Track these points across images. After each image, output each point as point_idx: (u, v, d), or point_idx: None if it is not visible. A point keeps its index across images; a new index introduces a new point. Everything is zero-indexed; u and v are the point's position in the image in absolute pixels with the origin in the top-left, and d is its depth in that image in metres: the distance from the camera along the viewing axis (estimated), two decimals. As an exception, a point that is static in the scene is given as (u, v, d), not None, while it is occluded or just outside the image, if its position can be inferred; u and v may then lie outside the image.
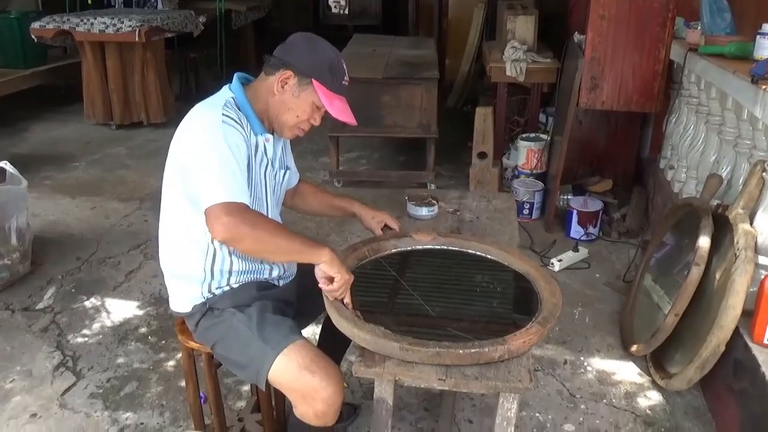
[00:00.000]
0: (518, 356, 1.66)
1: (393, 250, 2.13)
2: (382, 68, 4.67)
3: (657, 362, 2.75)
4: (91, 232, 4.02)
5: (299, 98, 1.84)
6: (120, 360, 2.83)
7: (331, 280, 1.75)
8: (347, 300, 1.77)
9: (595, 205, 3.98)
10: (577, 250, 3.71)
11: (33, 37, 6.03)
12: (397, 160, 5.55)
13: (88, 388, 2.65)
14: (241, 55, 8.91)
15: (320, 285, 1.76)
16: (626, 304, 3.14)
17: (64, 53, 7.46)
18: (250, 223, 1.65)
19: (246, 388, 2.64)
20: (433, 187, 4.75)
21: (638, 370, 2.82)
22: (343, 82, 1.87)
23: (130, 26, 5.76)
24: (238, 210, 1.64)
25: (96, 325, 3.07)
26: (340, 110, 1.86)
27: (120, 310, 3.20)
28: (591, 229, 3.94)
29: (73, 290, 3.36)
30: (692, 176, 3.38)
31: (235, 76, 1.90)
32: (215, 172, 1.67)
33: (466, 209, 2.53)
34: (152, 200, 4.48)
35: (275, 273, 1.97)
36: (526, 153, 4.44)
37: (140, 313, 3.18)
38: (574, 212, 3.93)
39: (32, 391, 2.62)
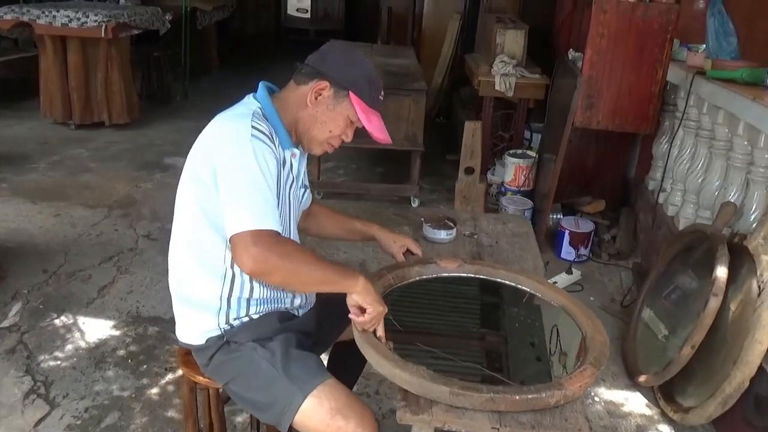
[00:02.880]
0: (573, 401, 1.54)
1: (418, 278, 1.99)
2: (367, 77, 4.49)
3: (666, 394, 2.67)
4: (58, 242, 3.70)
5: (334, 111, 1.68)
6: (98, 386, 2.57)
7: (363, 310, 1.59)
8: (380, 333, 1.62)
9: (587, 225, 3.91)
10: (571, 272, 3.63)
11: (-13, 28, 5.65)
12: (374, 171, 5.38)
13: (64, 418, 2.40)
14: (204, 56, 8.60)
15: (351, 315, 1.61)
16: (628, 332, 3.06)
17: (15, 45, 7.05)
18: (281, 253, 1.48)
19: (240, 419, 2.44)
20: (417, 201, 4.61)
21: (646, 401, 2.74)
22: (380, 97, 1.73)
23: (96, 21, 5.44)
24: (267, 239, 1.47)
25: (69, 347, 2.80)
26: (377, 127, 1.72)
27: (94, 329, 2.93)
28: (582, 251, 3.86)
29: (41, 306, 3.07)
30: (690, 200, 3.34)
31: (261, 84, 1.73)
32: (243, 194, 1.50)
33: (482, 233, 2.40)
34: (122, 208, 4.21)
35: (297, 302, 1.79)
36: (513, 170, 4.35)
37: (117, 333, 2.92)
38: (566, 233, 3.85)
39: (1, 422, 2.35)
